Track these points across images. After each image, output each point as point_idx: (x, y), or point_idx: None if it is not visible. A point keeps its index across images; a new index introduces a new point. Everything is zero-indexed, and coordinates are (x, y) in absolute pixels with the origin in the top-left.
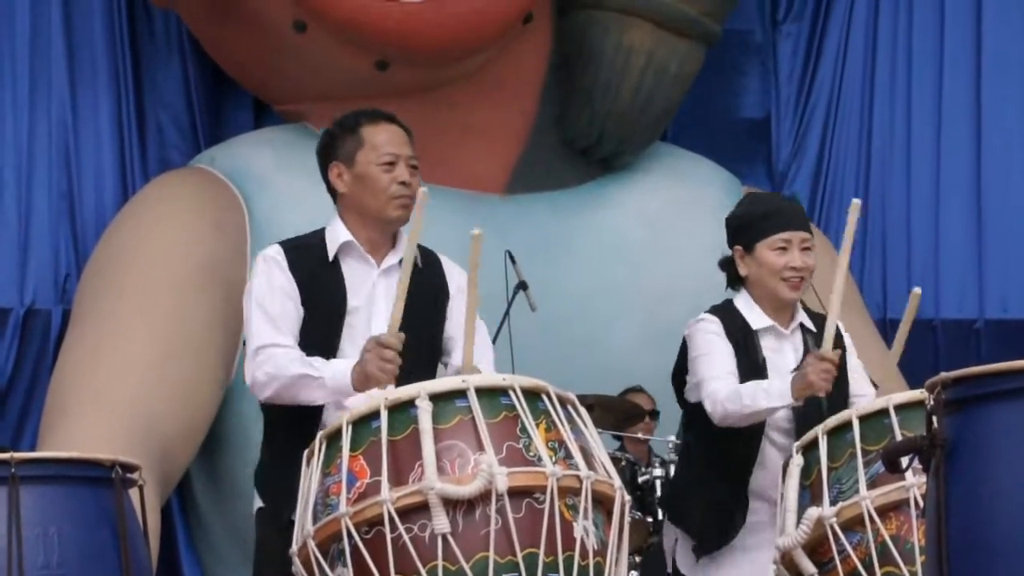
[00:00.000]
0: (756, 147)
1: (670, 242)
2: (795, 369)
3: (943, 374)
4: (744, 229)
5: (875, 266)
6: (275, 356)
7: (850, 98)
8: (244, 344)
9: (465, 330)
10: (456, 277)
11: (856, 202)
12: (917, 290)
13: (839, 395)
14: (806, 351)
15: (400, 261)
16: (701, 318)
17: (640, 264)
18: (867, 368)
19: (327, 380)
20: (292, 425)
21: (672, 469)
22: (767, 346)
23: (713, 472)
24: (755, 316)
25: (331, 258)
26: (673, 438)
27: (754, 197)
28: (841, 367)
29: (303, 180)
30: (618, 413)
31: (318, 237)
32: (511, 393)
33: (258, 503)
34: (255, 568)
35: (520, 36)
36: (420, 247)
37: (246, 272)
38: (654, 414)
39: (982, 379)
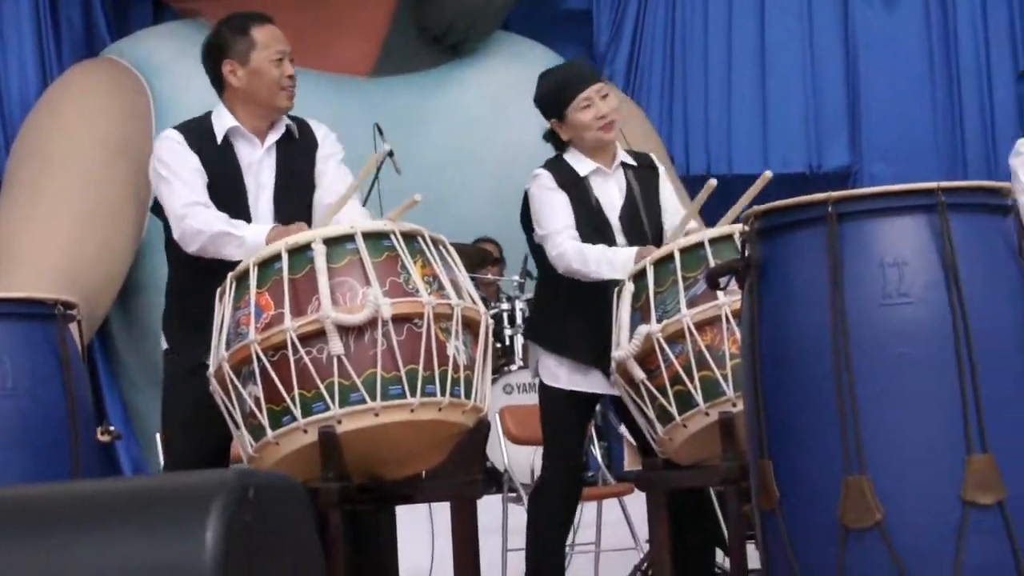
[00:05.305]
0: (580, 34)
1: (510, 116)
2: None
3: (755, 207)
4: (550, 104)
5: (678, 130)
6: (201, 213)
7: None
8: (151, 212)
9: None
10: (321, 129)
11: (711, 182)
12: (768, 173)
13: (655, 219)
14: (629, 187)
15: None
16: (536, 173)
17: (486, 135)
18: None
19: (247, 239)
20: (194, 280)
21: (516, 304)
22: (596, 188)
23: (580, 292)
24: (582, 164)
25: (219, 141)
26: (517, 278)
27: (545, 75)
28: (655, 193)
29: (199, 67)
30: (472, 258)
31: (207, 122)
32: (392, 236)
33: (164, 344)
34: (163, 398)
35: None
36: (293, 117)
37: (152, 146)
38: (501, 259)
39: (786, 210)
